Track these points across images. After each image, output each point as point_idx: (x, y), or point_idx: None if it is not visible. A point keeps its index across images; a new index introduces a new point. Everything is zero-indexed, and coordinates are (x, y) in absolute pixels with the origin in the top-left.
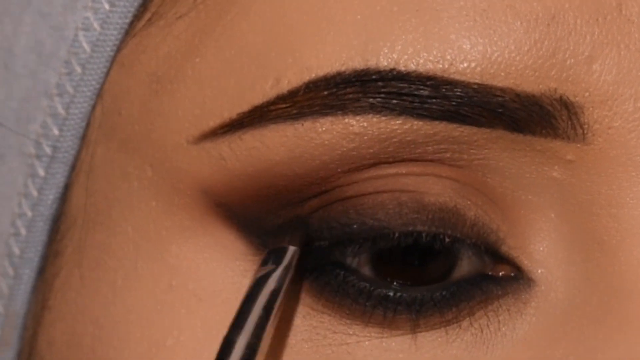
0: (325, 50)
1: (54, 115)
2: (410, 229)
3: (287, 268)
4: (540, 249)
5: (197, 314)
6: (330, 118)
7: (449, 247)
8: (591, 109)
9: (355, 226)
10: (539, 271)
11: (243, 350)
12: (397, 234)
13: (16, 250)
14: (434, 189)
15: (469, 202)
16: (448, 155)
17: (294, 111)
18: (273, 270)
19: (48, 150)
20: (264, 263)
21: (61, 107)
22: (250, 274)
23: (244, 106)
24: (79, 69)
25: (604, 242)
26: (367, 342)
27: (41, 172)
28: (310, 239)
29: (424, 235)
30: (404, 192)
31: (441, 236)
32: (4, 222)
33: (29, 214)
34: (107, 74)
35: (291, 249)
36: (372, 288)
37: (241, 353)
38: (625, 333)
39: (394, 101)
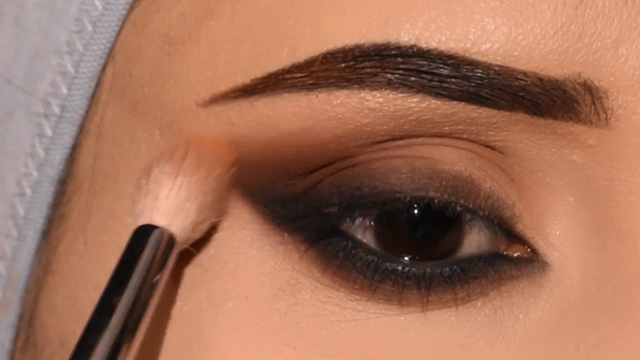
0: (345, 22)
1: (63, 73)
2: (422, 194)
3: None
4: (557, 232)
5: (202, 285)
6: (345, 91)
7: (461, 217)
8: (616, 93)
9: (366, 189)
10: (555, 255)
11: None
12: (408, 199)
13: (20, 211)
14: (449, 157)
15: (484, 174)
16: (465, 136)
17: (309, 81)
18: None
19: (56, 109)
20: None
21: (70, 66)
22: (257, 244)
23: (258, 72)
24: (89, 27)
25: (622, 230)
26: (376, 319)
27: (49, 132)
28: (319, 207)
29: (436, 201)
30: (418, 158)
31: (453, 204)
32: (10, 182)
33: (35, 174)
34: (119, 33)
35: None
36: (379, 261)
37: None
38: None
39: (413, 78)
